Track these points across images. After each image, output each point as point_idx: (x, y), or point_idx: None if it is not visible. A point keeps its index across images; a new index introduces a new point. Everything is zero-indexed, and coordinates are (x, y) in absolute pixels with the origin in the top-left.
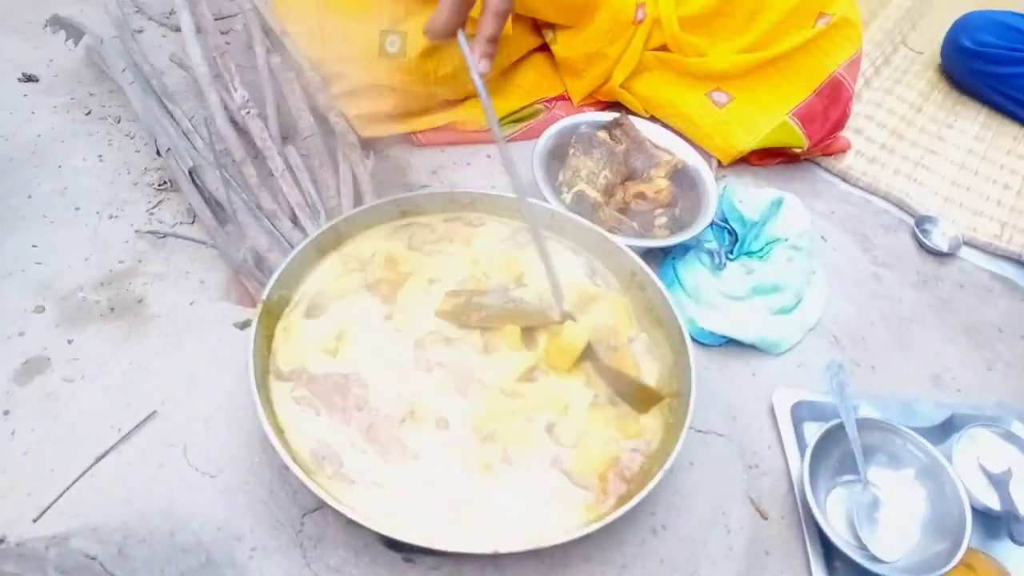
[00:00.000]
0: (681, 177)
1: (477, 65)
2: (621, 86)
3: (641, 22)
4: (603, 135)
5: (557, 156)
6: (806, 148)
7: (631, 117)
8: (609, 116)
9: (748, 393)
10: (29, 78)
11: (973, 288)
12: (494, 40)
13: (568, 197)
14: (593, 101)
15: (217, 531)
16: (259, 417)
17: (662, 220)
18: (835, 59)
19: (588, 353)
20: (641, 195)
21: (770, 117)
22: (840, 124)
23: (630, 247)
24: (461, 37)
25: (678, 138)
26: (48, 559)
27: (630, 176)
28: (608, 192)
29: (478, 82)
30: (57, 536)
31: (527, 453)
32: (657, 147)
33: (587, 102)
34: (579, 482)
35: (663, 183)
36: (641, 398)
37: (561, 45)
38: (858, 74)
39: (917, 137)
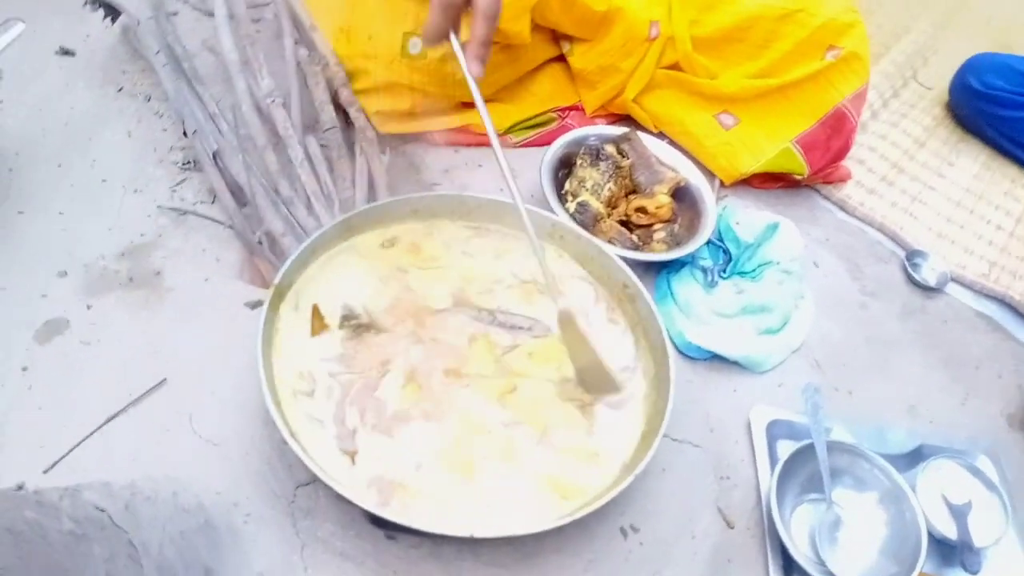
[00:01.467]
0: (683, 195)
1: (469, 68)
2: (633, 100)
3: (655, 39)
4: (611, 149)
5: (565, 165)
6: (806, 175)
7: (640, 133)
8: (619, 131)
9: (727, 407)
10: (66, 52)
11: (956, 324)
12: (485, 43)
13: (572, 206)
14: (606, 113)
15: (216, 496)
16: (263, 393)
17: (661, 235)
18: (841, 91)
19: (567, 321)
20: (642, 209)
21: (774, 143)
22: (841, 154)
23: (628, 259)
24: (454, 40)
25: (683, 157)
26: (62, 508)
27: (634, 190)
28: (611, 204)
29: (472, 84)
30: (70, 488)
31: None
32: (662, 164)
33: (599, 113)
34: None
35: (664, 199)
36: (597, 383)
37: (577, 57)
38: (863, 107)
39: (918, 172)
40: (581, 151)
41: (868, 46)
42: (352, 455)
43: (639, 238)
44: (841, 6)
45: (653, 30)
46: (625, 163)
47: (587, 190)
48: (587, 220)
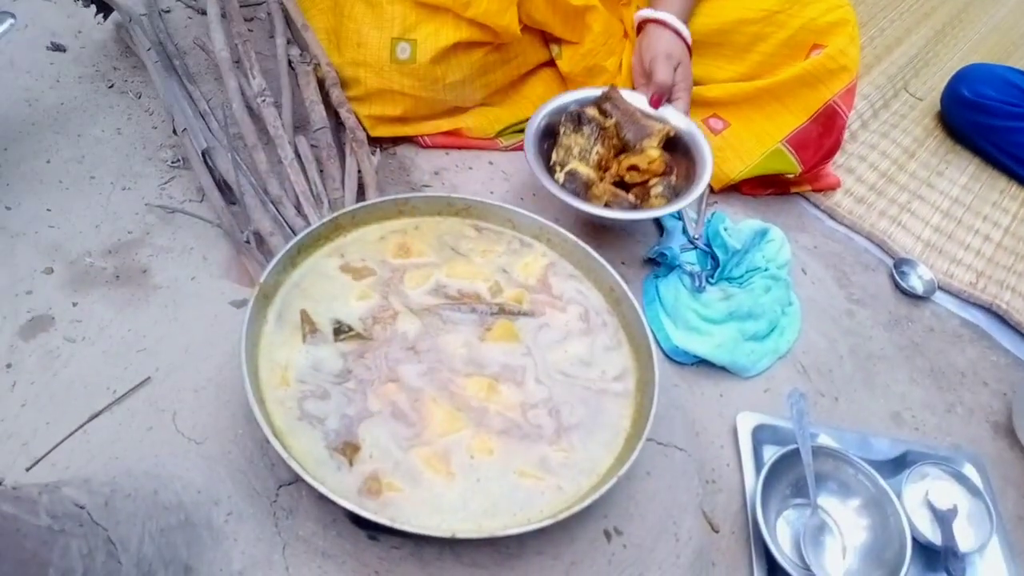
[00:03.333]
0: (674, 144)
1: None
2: None
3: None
4: (592, 111)
5: (549, 135)
6: (799, 173)
7: (620, 89)
8: (598, 91)
9: (714, 412)
10: (57, 47)
11: (943, 333)
12: None
13: (560, 176)
14: None
15: (197, 494)
16: (246, 390)
17: (658, 189)
18: (831, 88)
19: None
20: (634, 167)
21: (764, 145)
22: (833, 151)
23: (625, 219)
24: None
25: (669, 105)
26: (41, 504)
27: (623, 149)
28: (602, 167)
29: None
30: (50, 484)
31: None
32: (648, 117)
33: None
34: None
35: (655, 153)
36: None
37: (565, 60)
38: (853, 102)
39: (907, 181)
40: (563, 118)
41: (857, 42)
42: (350, 456)
43: (636, 196)
44: (825, 4)
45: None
46: (609, 123)
47: (575, 157)
48: (578, 188)
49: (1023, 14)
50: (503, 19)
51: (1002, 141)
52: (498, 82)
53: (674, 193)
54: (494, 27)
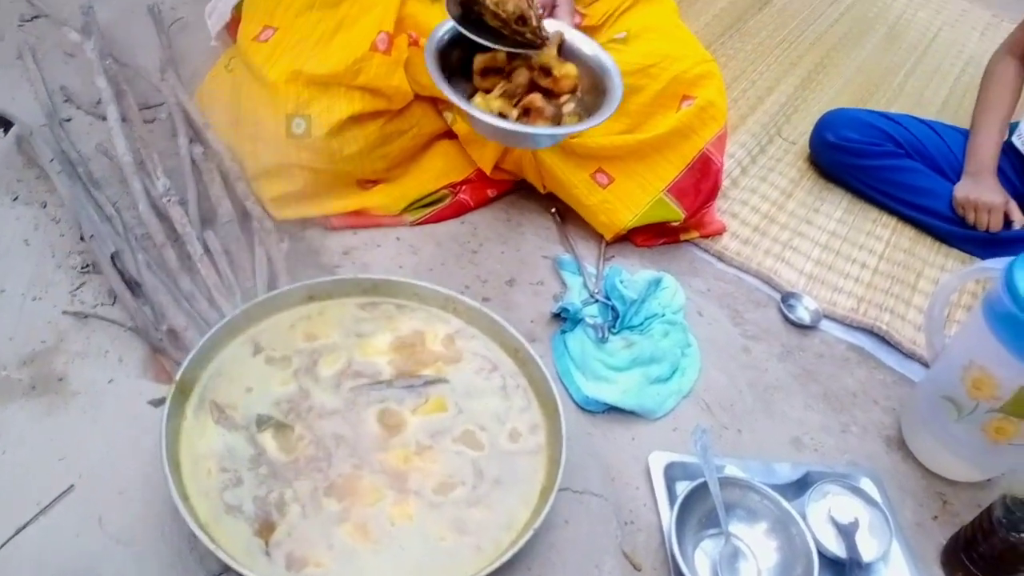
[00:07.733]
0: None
1: None
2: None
3: None
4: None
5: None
6: (683, 219)
7: None
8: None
9: (627, 456)
10: None
11: (832, 358)
12: None
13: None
14: (502, 175)
15: None
16: (169, 487)
17: (570, 107)
18: (703, 136)
19: None
20: (546, 69)
21: (647, 194)
22: (711, 195)
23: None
24: None
25: (551, 20)
26: None
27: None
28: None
29: None
30: None
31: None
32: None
33: (497, 175)
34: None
35: (573, 70)
36: None
37: (460, 123)
38: (724, 148)
39: (787, 220)
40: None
41: (724, 92)
42: (266, 536)
43: (552, 119)
44: (693, 59)
45: None
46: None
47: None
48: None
49: (883, 53)
50: (393, 79)
51: (868, 178)
52: (395, 154)
53: (585, 109)
54: (385, 89)
